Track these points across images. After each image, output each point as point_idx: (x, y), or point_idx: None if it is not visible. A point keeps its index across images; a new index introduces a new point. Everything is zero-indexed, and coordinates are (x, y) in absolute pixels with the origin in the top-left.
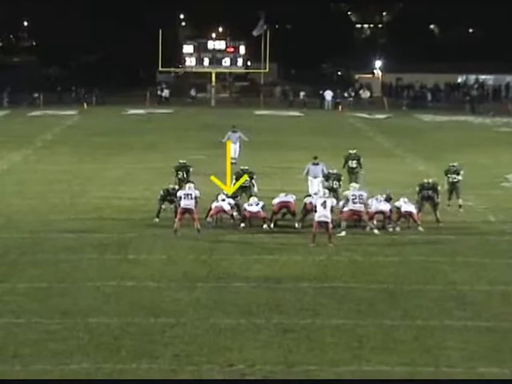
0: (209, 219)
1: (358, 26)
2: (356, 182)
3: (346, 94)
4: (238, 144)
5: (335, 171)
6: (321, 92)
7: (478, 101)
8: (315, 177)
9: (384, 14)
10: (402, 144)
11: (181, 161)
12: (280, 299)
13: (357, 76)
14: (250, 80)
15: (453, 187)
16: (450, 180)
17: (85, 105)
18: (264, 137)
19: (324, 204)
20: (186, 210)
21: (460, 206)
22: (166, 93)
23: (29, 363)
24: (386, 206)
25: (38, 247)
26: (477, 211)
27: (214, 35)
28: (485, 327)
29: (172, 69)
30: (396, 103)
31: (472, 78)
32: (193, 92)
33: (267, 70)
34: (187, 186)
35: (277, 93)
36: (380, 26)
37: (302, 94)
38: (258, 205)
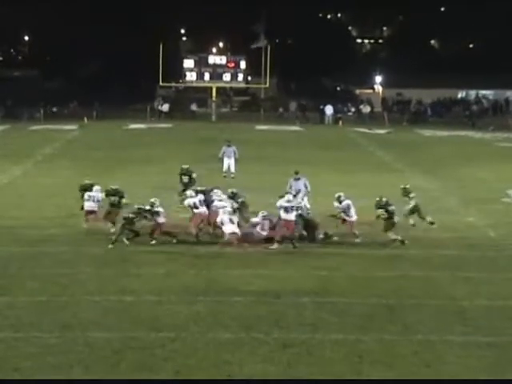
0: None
1: (359, 40)
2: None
3: (346, 109)
4: (232, 158)
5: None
6: (321, 107)
7: (477, 115)
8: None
9: (384, 28)
10: (402, 158)
11: (183, 166)
12: (280, 313)
13: (357, 91)
14: (250, 94)
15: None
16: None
17: (85, 119)
18: (264, 151)
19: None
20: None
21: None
22: (165, 107)
23: (29, 376)
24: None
25: (37, 260)
26: (477, 226)
27: (214, 50)
28: (485, 342)
29: (172, 83)
30: (396, 118)
31: (472, 92)
32: (194, 107)
33: (267, 84)
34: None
35: (291, 107)
36: (380, 40)
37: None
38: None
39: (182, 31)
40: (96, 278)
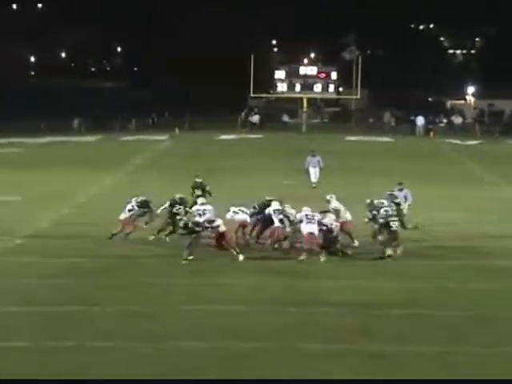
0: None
1: (450, 51)
2: None
3: (437, 120)
4: (317, 168)
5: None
6: (412, 118)
7: None
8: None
9: (477, 39)
10: (494, 170)
11: (197, 180)
12: (368, 325)
13: (449, 102)
14: (341, 105)
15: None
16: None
17: (176, 130)
18: (354, 162)
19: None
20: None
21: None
22: (255, 118)
23: None
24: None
25: (127, 271)
26: None
27: (305, 61)
28: None
29: (264, 94)
30: (488, 129)
31: None
32: (285, 118)
33: (358, 95)
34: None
35: (385, 118)
36: (472, 51)
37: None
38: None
39: (273, 42)
40: (185, 288)
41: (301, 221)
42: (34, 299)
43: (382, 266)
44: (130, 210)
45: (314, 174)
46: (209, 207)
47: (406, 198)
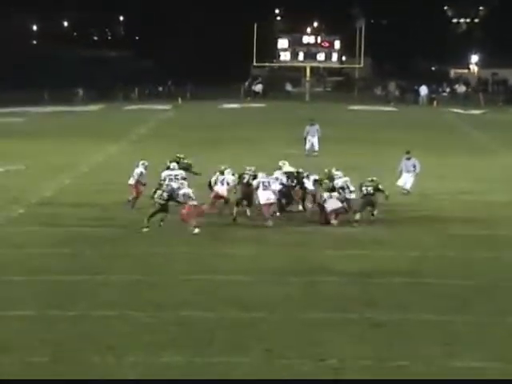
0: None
1: (454, 20)
2: None
3: (440, 89)
4: (316, 137)
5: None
6: (415, 87)
7: None
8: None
9: (480, 8)
10: (498, 139)
11: (182, 161)
12: (372, 294)
13: (452, 71)
14: (344, 75)
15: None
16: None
17: (179, 99)
18: (357, 132)
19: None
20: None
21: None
22: (258, 87)
23: (122, 355)
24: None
25: (131, 240)
26: None
27: (308, 30)
28: None
29: (266, 63)
30: (492, 98)
31: None
32: (288, 87)
33: (362, 64)
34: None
35: (391, 87)
36: (476, 20)
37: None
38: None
39: (277, 11)
40: (188, 258)
41: (257, 188)
42: (37, 268)
43: (382, 236)
44: (138, 174)
45: (312, 143)
46: (181, 172)
47: (414, 166)
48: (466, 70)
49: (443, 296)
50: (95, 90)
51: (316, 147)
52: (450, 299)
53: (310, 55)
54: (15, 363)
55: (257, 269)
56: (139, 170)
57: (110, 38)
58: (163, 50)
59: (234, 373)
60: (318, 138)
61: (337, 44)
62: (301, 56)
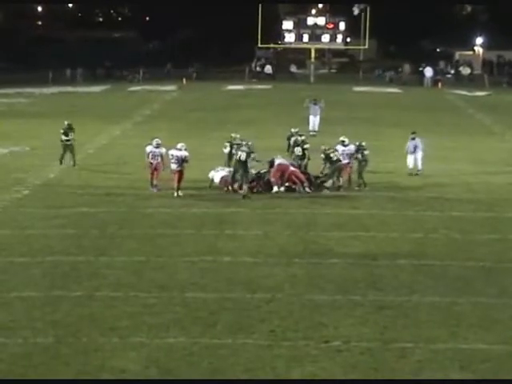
0: None
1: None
2: None
3: (445, 70)
4: (318, 117)
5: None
6: (420, 69)
7: None
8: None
9: None
10: (502, 121)
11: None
12: (376, 276)
13: (457, 53)
14: (349, 56)
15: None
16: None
17: (184, 80)
18: (361, 113)
19: None
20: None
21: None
22: (268, 68)
23: (126, 336)
24: None
25: (135, 221)
26: None
27: (313, 11)
28: None
29: (271, 44)
30: (497, 80)
31: None
32: (293, 68)
33: (366, 46)
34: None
35: (406, 70)
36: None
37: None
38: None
39: None
40: (193, 239)
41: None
42: (42, 249)
43: (386, 217)
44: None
45: (314, 122)
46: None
47: (415, 147)
48: (470, 52)
49: (447, 278)
50: (100, 70)
51: (316, 127)
52: (454, 281)
53: (315, 37)
54: (19, 344)
55: (262, 250)
56: (150, 147)
57: (116, 18)
58: (169, 31)
59: (238, 354)
60: (321, 118)
61: (342, 25)
62: (305, 37)
